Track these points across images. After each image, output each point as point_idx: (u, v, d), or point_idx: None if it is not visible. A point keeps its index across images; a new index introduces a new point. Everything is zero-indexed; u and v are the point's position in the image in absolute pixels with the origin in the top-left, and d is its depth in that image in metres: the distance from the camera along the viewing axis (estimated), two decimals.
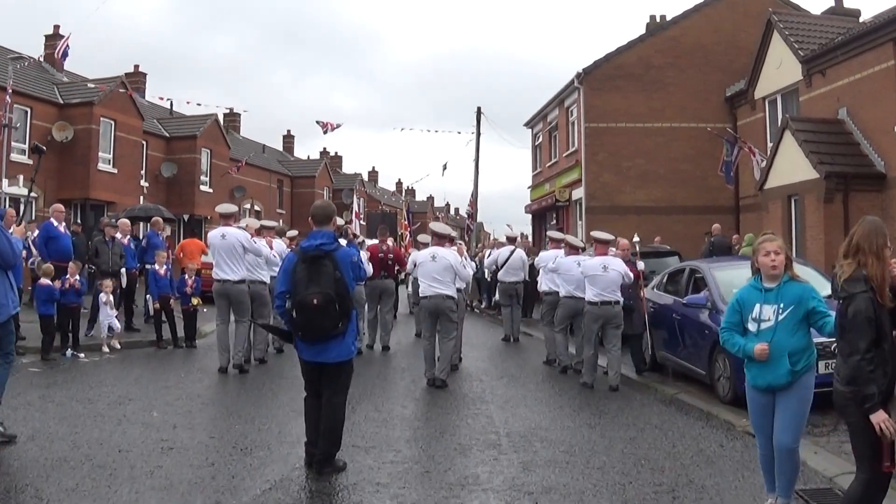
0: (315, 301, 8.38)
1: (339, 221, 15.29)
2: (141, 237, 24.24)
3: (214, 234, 15.84)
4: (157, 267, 19.04)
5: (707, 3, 37.85)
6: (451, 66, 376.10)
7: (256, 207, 56.83)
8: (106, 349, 17.84)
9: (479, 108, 45.70)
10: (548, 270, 17.51)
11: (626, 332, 15.14)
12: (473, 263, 17.96)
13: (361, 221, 59.87)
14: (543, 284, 18.10)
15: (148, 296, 19.62)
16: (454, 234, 16.89)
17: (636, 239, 16.63)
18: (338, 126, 41.51)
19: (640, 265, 15.93)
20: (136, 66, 53.84)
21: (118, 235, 20.34)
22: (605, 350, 15.00)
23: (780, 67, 30.63)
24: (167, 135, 48.01)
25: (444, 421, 11.63)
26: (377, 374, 15.99)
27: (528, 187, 50.99)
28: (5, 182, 32.08)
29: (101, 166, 38.43)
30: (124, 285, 20.14)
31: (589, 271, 14.82)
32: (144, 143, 44.11)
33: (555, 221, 43.31)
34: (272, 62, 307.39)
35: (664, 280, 17.13)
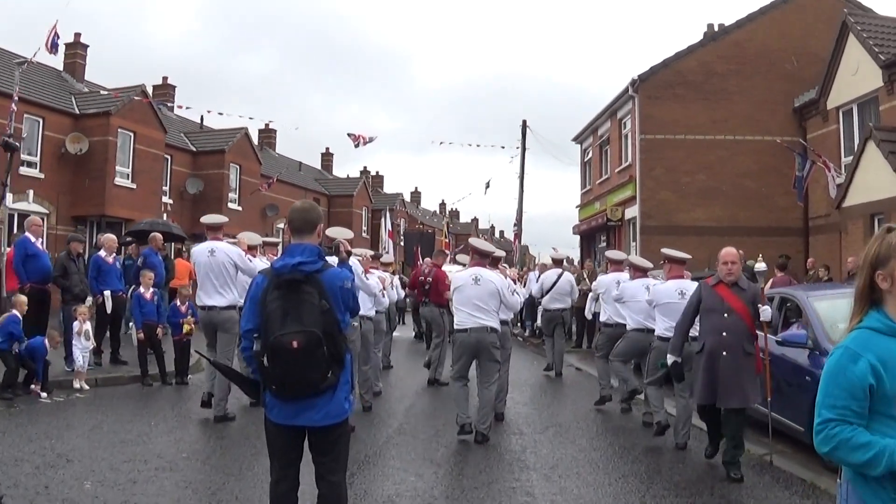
0: (295, 344, 5.74)
1: (346, 234, 12.60)
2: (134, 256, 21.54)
3: (200, 250, 13.18)
4: (142, 290, 16.37)
5: (773, 5, 35.08)
6: (491, 89, 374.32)
7: None
8: (84, 385, 15.32)
9: (524, 122, 43.54)
10: (610, 299, 14.62)
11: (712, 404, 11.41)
12: (521, 289, 14.80)
13: (401, 242, 57.58)
14: (604, 314, 15.25)
15: (132, 324, 17.05)
16: (499, 252, 14.01)
17: (760, 267, 11.79)
18: (370, 140, 38.89)
19: (767, 312, 10.24)
20: (165, 78, 51.78)
21: (102, 253, 17.68)
22: (672, 398, 11.90)
23: (857, 74, 27.64)
24: (194, 149, 45.94)
25: (469, 501, 8.67)
26: (391, 421, 13.13)
27: (577, 206, 48.27)
28: (10, 197, 29.87)
29: (119, 181, 36.29)
30: (109, 310, 17.39)
31: (660, 298, 11.82)
32: (168, 157, 42.03)
33: (605, 244, 40.63)
34: (306, 85, 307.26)
35: None
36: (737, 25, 35.27)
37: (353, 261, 12.33)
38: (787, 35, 34.15)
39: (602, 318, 15.43)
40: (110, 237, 18.40)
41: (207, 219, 13.64)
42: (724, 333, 9.90)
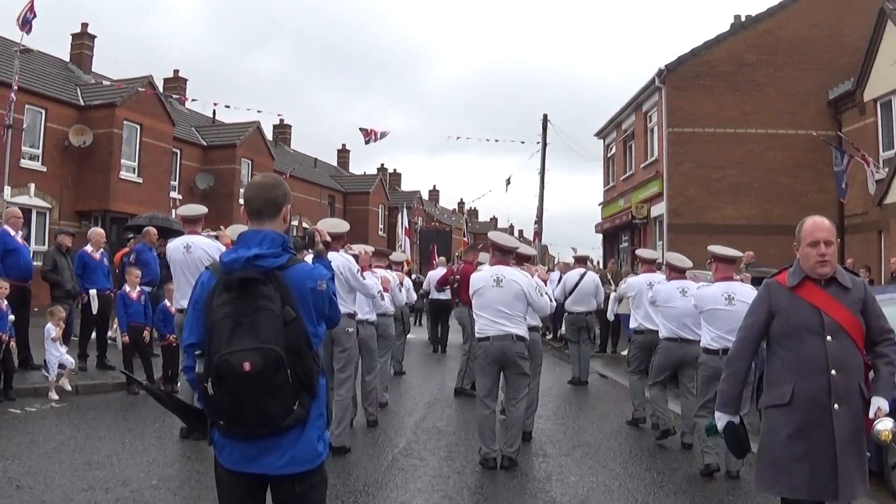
0: (247, 366, 4.19)
1: (340, 227, 11.15)
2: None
3: (175, 245, 11.57)
4: (127, 289, 14.99)
5: None
6: (507, 88, 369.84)
7: (305, 225, 53.34)
8: (54, 395, 13.77)
9: (545, 115, 42.06)
10: (641, 303, 13.13)
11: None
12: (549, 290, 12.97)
13: (416, 241, 56.33)
14: (633, 320, 13.54)
15: (116, 325, 15.71)
16: (526, 248, 12.41)
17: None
18: (383, 135, 37.70)
19: (888, 424, 5.62)
20: (176, 72, 51.08)
21: (88, 249, 16.35)
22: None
23: None
24: (204, 143, 44.90)
25: None
26: (398, 440, 11.62)
27: (599, 204, 46.84)
28: (8, 190, 28.68)
29: (124, 175, 35.37)
30: (95, 310, 16.04)
31: (706, 304, 10.07)
32: (178, 151, 41.02)
33: (627, 243, 39.31)
34: (318, 83, 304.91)
35: None
36: (768, 14, 33.78)
37: (340, 256, 10.77)
38: (820, 23, 32.71)
39: (632, 325, 13.70)
40: (98, 231, 17.10)
41: (184, 210, 12.11)
42: (834, 371, 5.64)
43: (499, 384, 10.43)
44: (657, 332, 12.11)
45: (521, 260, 11.44)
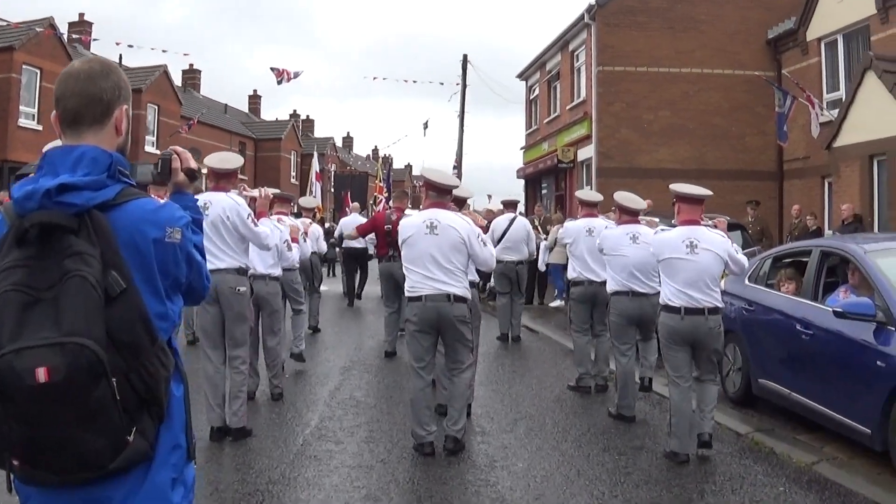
0: (42, 375, 2.39)
1: (231, 161, 9.34)
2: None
3: None
4: None
5: None
6: (425, 27, 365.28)
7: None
8: None
9: (465, 56, 40.86)
10: (579, 251, 11.79)
11: None
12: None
13: (331, 189, 54.86)
14: (572, 270, 12.02)
15: None
16: (467, 191, 10.82)
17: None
18: (296, 75, 35.92)
19: None
20: (81, 15, 48.66)
21: None
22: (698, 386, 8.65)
23: (843, 1, 24.88)
24: None
25: None
26: (309, 415, 9.97)
27: (521, 148, 45.00)
28: None
29: (23, 122, 33.66)
30: None
31: (663, 252, 8.43)
32: None
33: (545, 189, 39.02)
34: (227, 34, 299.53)
35: (763, 268, 11.20)
36: None
37: (228, 197, 8.76)
38: None
39: (570, 275, 12.21)
40: None
41: (50, 149, 10.17)
42: None
43: (434, 351, 8.73)
44: (598, 282, 11.06)
45: (459, 204, 9.75)
